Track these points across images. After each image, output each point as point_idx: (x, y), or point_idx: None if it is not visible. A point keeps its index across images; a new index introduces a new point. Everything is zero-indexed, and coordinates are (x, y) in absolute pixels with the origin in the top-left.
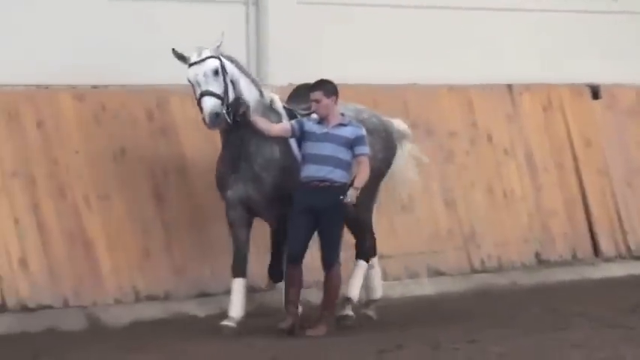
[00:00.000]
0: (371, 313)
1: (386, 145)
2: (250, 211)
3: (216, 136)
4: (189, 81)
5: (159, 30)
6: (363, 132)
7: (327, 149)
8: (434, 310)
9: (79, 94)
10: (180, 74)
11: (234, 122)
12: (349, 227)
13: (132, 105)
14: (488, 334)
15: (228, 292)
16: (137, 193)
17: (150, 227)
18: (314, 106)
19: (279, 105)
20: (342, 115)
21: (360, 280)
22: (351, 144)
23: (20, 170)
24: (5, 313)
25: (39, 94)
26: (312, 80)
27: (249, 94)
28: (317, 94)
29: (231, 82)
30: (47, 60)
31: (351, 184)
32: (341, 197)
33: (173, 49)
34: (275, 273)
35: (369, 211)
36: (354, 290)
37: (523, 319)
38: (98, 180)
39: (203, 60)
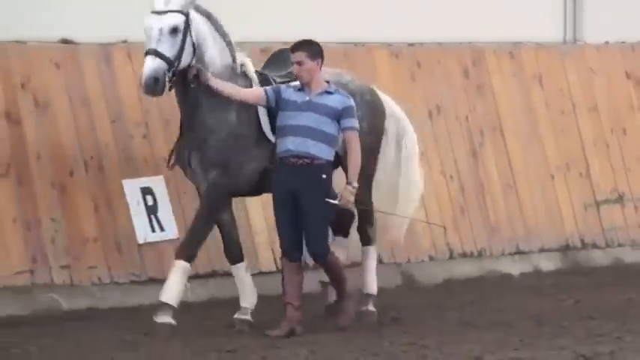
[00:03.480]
0: (371, 308)
1: (372, 110)
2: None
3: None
4: (144, 30)
5: None
6: (352, 102)
7: (309, 120)
8: None
9: (395, 51)
10: (494, 31)
11: (186, 86)
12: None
13: (447, 62)
14: None
15: (543, 250)
16: (452, 150)
17: (465, 185)
18: (296, 69)
19: (250, 69)
20: (328, 82)
21: (374, 270)
22: (339, 116)
23: None
24: (315, 271)
25: (356, 51)
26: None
27: (217, 56)
28: (299, 55)
29: (195, 43)
30: (364, 17)
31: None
32: (331, 200)
33: None
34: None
35: (368, 191)
36: (372, 285)
37: None
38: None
39: (165, 12)
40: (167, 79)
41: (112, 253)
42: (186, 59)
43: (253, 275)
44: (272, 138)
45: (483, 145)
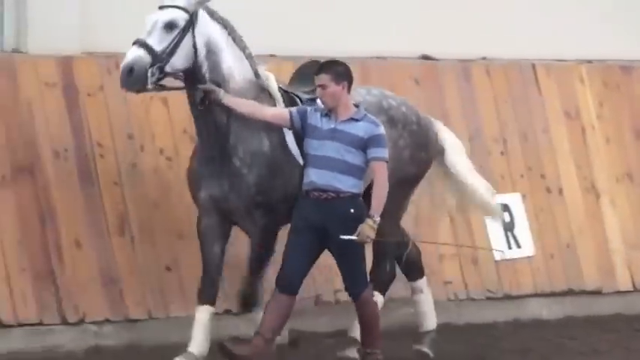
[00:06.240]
0: (425, 349)
1: (417, 141)
2: (227, 219)
3: None
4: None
5: None
6: (381, 130)
7: (332, 150)
8: None
9: None
10: None
11: (206, 106)
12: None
13: None
14: None
15: None
16: None
17: None
18: (319, 92)
19: (273, 86)
20: (357, 106)
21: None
22: (364, 145)
23: None
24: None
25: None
26: None
27: (236, 69)
28: (323, 78)
29: (198, 47)
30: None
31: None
32: (346, 237)
33: None
34: (248, 299)
35: (395, 225)
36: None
37: None
38: None
39: (166, 7)
40: (150, 74)
41: (468, 268)
42: (182, 60)
43: (608, 295)
44: (302, 161)
45: None
